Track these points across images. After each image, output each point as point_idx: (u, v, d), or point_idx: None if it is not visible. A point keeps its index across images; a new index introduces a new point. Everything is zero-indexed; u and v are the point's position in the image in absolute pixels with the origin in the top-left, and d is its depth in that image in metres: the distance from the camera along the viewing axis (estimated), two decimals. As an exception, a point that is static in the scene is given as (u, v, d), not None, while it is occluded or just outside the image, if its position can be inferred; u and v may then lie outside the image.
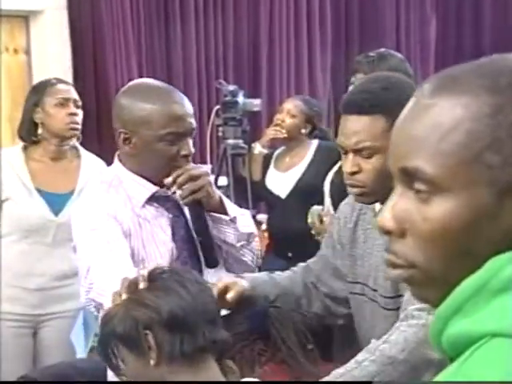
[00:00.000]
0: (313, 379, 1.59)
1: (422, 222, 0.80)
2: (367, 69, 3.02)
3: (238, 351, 1.66)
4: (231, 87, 4.29)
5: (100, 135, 4.68)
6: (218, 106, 4.37)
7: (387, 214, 0.82)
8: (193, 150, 2.09)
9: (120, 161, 2.12)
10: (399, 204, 0.82)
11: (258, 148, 4.18)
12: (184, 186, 2.03)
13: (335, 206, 2.94)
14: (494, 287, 0.75)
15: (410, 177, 0.80)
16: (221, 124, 4.27)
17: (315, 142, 4.03)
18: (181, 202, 2.09)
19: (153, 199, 2.10)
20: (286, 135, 3.99)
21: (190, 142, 2.08)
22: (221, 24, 5.41)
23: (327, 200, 2.94)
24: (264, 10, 5.60)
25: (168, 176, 2.04)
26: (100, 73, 4.86)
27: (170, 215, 2.11)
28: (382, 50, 3.26)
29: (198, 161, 4.85)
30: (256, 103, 4.35)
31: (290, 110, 3.99)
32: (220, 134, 4.30)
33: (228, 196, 3.88)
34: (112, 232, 2.01)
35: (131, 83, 2.21)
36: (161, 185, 2.08)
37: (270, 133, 4.05)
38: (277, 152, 4.08)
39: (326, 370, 1.62)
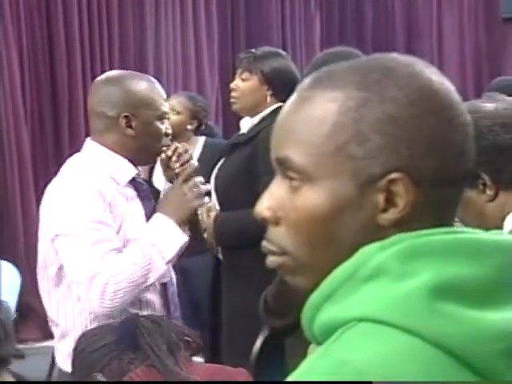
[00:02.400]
0: (183, 382, 1.61)
1: (292, 210, 0.82)
2: (247, 65, 3.03)
3: (106, 364, 1.64)
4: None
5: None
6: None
7: (265, 202, 0.84)
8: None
9: (101, 144, 2.15)
10: (275, 192, 0.83)
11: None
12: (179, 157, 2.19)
13: (220, 201, 2.94)
14: (362, 275, 0.77)
15: (283, 166, 0.82)
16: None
17: (202, 139, 4.00)
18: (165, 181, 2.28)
19: (131, 182, 2.16)
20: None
21: None
22: (105, 18, 5.31)
23: (213, 195, 2.93)
24: (149, 5, 5.53)
25: (154, 155, 2.20)
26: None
27: (143, 199, 2.19)
28: (266, 47, 3.27)
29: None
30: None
31: (175, 106, 3.94)
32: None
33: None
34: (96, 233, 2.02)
35: (109, 74, 2.27)
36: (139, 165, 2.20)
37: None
38: (163, 149, 4.04)
39: (198, 372, 1.65)
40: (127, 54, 5.43)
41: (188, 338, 1.72)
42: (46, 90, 5.12)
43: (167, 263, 2.09)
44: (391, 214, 0.79)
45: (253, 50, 3.09)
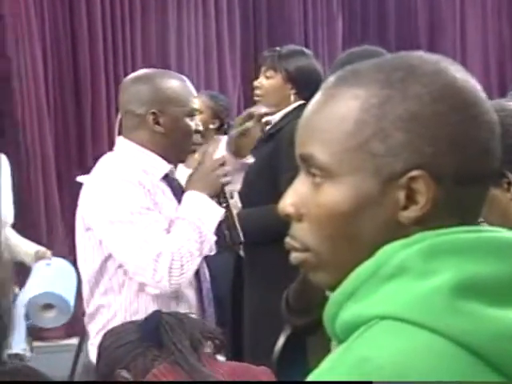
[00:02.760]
0: (206, 379, 1.61)
1: (314, 207, 0.82)
2: (271, 63, 3.02)
3: (130, 360, 1.65)
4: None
5: None
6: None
7: (288, 198, 0.84)
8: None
9: (132, 141, 2.17)
10: (299, 189, 0.84)
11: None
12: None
13: (242, 198, 2.94)
14: (384, 273, 0.77)
15: (307, 163, 0.83)
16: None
17: (224, 138, 4.00)
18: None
19: (164, 177, 2.20)
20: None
21: None
22: (128, 17, 5.33)
23: (235, 194, 2.93)
24: (172, 8, 5.54)
25: (186, 152, 2.21)
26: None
27: (177, 196, 2.21)
28: (291, 46, 3.26)
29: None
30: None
31: (199, 107, 3.95)
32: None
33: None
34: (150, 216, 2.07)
35: (139, 72, 2.30)
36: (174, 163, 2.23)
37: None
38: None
39: (221, 370, 1.65)
40: (149, 52, 5.45)
41: (211, 335, 1.72)
42: (69, 85, 5.16)
43: (213, 234, 2.16)
44: (412, 212, 0.79)
45: (277, 48, 3.09)
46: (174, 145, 2.18)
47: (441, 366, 0.72)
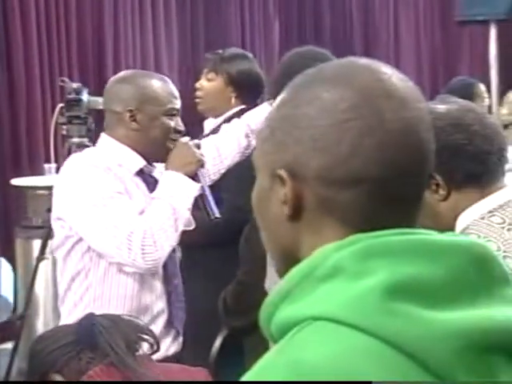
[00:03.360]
0: (143, 379, 1.61)
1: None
2: (213, 66, 3.03)
3: (64, 364, 1.64)
4: (75, 85, 4.17)
5: None
6: (61, 105, 4.24)
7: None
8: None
9: (111, 137, 2.27)
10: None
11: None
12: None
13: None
14: (319, 275, 0.78)
15: None
16: (65, 122, 4.15)
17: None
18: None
19: (140, 173, 2.26)
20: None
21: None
22: (63, 22, 5.26)
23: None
24: (108, 7, 5.49)
25: (164, 150, 2.24)
26: None
27: (151, 191, 2.27)
28: (233, 49, 3.27)
29: (42, 159, 4.70)
30: (101, 101, 4.23)
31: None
32: (64, 132, 4.18)
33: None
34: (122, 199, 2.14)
35: (123, 73, 2.46)
36: (150, 161, 2.28)
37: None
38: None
39: (157, 370, 1.66)
40: (86, 58, 5.38)
41: (146, 336, 1.72)
42: (4, 92, 5.06)
43: (188, 209, 2.22)
44: (286, 208, 0.84)
45: (220, 51, 3.10)
46: (151, 142, 2.24)
47: (374, 367, 0.72)
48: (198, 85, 3.06)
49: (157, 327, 2.22)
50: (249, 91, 2.89)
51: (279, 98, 0.87)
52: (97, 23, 5.43)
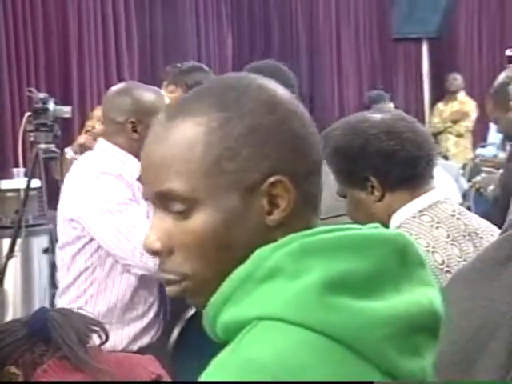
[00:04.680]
0: (95, 371, 1.58)
1: (184, 236, 0.79)
2: (172, 78, 3.02)
3: (18, 356, 1.62)
4: (41, 95, 4.13)
5: None
6: (28, 113, 4.20)
7: (152, 236, 0.80)
8: None
9: (111, 143, 2.28)
10: (159, 225, 0.80)
11: (70, 153, 4.10)
12: None
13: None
14: (259, 276, 0.76)
15: (165, 199, 0.79)
16: (32, 130, 4.11)
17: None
18: None
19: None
20: (96, 141, 3.90)
21: None
22: (31, 34, 5.19)
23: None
24: (72, 19, 5.44)
25: None
26: None
27: None
28: (191, 62, 3.27)
29: (11, 165, 4.63)
30: (66, 110, 4.21)
31: (100, 116, 3.91)
32: (32, 139, 4.13)
33: (41, 197, 3.79)
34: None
35: (122, 84, 2.47)
36: None
37: (81, 139, 3.99)
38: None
39: (108, 361, 1.63)
40: (53, 70, 5.33)
41: (96, 328, 1.69)
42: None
43: None
44: (276, 215, 0.79)
45: (178, 65, 3.10)
46: None
47: (318, 361, 0.72)
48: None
49: (148, 317, 2.27)
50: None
51: (210, 120, 0.79)
52: (62, 35, 5.39)
